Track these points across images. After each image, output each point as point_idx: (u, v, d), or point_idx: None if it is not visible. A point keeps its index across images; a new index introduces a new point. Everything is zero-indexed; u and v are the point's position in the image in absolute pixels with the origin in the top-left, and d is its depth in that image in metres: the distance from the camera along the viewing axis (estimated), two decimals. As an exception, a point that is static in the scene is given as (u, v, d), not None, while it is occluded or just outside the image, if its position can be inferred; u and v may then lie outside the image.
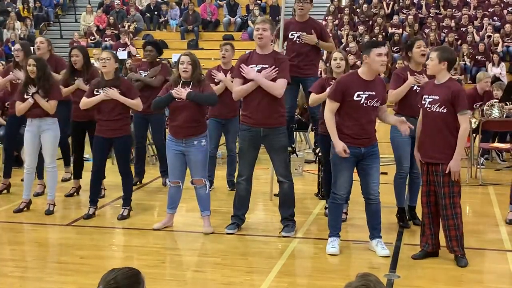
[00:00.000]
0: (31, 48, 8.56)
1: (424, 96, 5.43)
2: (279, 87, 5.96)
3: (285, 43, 7.49)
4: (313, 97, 6.55)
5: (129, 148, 6.98)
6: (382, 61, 5.47)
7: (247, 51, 6.38)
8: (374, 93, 5.51)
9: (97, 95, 6.60)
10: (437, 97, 5.33)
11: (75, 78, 7.46)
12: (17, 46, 7.84)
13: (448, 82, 5.37)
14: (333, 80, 6.35)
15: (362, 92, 5.48)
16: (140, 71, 8.15)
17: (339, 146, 5.49)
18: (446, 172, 5.29)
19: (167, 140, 6.40)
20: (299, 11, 7.31)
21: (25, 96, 6.84)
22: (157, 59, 8.38)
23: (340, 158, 5.55)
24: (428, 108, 5.38)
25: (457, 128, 5.29)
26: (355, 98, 5.47)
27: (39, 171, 7.70)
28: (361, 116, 5.52)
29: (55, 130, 6.97)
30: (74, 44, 19.77)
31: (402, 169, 6.38)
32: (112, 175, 7.70)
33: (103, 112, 6.62)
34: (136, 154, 8.53)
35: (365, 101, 5.49)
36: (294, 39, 7.25)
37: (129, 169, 6.88)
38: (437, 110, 5.31)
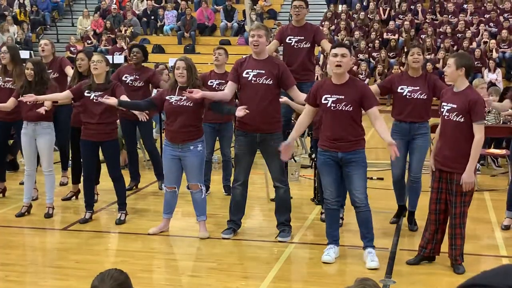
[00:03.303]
0: (30, 52, 8.51)
1: (443, 104, 5.36)
2: (302, 95, 6.08)
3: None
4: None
5: (118, 152, 6.94)
6: (336, 62, 5.31)
7: (244, 56, 6.39)
8: (342, 97, 5.36)
9: (87, 97, 6.57)
10: (454, 106, 5.23)
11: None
12: (4, 48, 7.70)
13: (466, 90, 5.27)
14: None
15: (329, 96, 5.41)
16: (126, 75, 8.03)
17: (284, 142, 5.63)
18: (461, 183, 5.24)
19: (163, 145, 6.38)
20: (295, 16, 7.32)
21: (20, 98, 6.83)
22: (143, 64, 8.27)
23: (321, 163, 5.57)
24: (446, 116, 5.29)
25: (473, 137, 5.19)
26: (322, 101, 5.44)
27: None
28: (333, 121, 5.42)
29: (50, 134, 6.94)
30: (71, 48, 19.87)
31: (394, 171, 6.57)
32: (107, 180, 7.66)
33: (93, 116, 6.57)
34: (129, 159, 8.50)
35: (333, 105, 5.38)
36: (292, 43, 7.25)
37: (119, 173, 6.84)
38: (454, 119, 5.23)
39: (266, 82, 6.00)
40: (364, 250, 5.62)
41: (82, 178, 7.05)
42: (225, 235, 6.28)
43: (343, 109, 5.37)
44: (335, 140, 5.44)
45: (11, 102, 7.00)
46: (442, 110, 5.37)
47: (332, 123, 5.43)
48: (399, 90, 6.32)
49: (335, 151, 5.45)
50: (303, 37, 7.19)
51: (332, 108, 5.39)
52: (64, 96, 6.71)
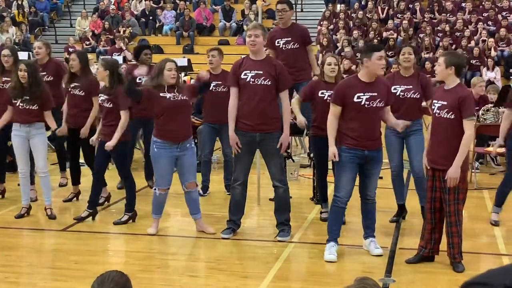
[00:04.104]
0: (29, 53, 8.48)
1: (434, 101, 5.43)
2: (289, 102, 6.20)
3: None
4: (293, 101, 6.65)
5: (124, 153, 6.87)
6: (382, 65, 5.59)
7: (242, 56, 6.40)
8: (375, 94, 5.55)
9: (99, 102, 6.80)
10: (445, 103, 5.30)
11: (74, 84, 7.37)
12: (7, 51, 7.63)
13: (456, 88, 5.34)
14: (325, 83, 6.47)
15: (362, 94, 5.53)
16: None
17: (331, 151, 5.61)
18: (445, 178, 5.27)
19: (157, 148, 6.20)
20: (279, 19, 7.40)
21: (13, 101, 6.80)
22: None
23: (344, 160, 5.59)
24: (437, 114, 5.36)
25: (463, 134, 5.26)
26: (355, 100, 5.53)
27: (30, 177, 7.70)
28: (364, 118, 5.56)
29: (44, 134, 6.95)
30: (70, 49, 19.86)
31: (391, 167, 6.72)
32: (108, 180, 7.66)
33: (101, 117, 6.80)
34: None
35: (366, 102, 5.53)
36: (281, 46, 7.25)
37: (127, 174, 6.85)
38: (444, 116, 5.29)
39: (265, 83, 6.01)
40: (366, 240, 5.83)
41: (87, 179, 7.04)
42: (224, 235, 6.28)
43: (377, 105, 5.57)
44: (364, 139, 5.56)
45: (9, 113, 6.92)
46: (433, 107, 5.44)
47: (363, 121, 5.56)
48: (392, 91, 6.38)
49: (362, 149, 5.58)
50: (290, 38, 7.18)
51: (366, 106, 5.53)
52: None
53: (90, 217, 6.95)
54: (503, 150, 9.11)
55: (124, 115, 6.57)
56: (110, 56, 14.79)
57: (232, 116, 6.12)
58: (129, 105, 6.58)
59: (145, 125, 8.24)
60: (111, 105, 6.60)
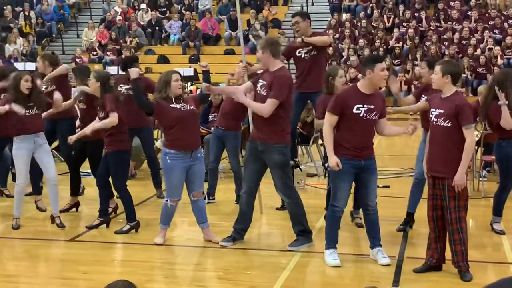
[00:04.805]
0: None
1: (432, 110, 5.46)
2: (265, 108, 5.90)
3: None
4: (318, 122, 6.88)
5: (116, 164, 6.75)
6: (385, 76, 5.59)
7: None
8: (373, 106, 5.57)
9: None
10: (442, 111, 5.33)
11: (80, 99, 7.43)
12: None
13: (453, 96, 5.37)
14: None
15: (361, 105, 5.54)
16: (121, 84, 8.00)
17: (332, 160, 5.57)
18: (453, 185, 5.28)
19: (170, 159, 6.15)
20: (297, 33, 7.55)
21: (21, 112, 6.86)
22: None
23: (343, 171, 5.59)
24: (434, 122, 5.40)
25: (462, 142, 5.28)
26: (354, 111, 5.53)
27: (38, 187, 7.74)
28: (360, 129, 5.58)
29: (47, 143, 7.02)
30: (77, 59, 19.97)
31: (414, 174, 6.76)
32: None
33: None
34: None
35: (364, 114, 5.55)
36: (302, 56, 7.37)
37: (120, 185, 6.82)
38: (442, 124, 5.32)
39: (263, 94, 6.03)
40: (373, 249, 5.82)
41: (91, 189, 7.06)
42: (223, 243, 6.27)
43: (373, 118, 5.61)
44: (360, 149, 5.61)
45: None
46: (430, 116, 5.47)
47: (361, 132, 5.60)
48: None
49: (359, 159, 5.61)
50: (310, 47, 7.32)
51: (363, 118, 5.56)
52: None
53: (104, 225, 7.01)
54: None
55: (112, 117, 6.55)
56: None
57: (229, 88, 6.63)
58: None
59: (139, 134, 8.25)
60: (103, 114, 6.65)
